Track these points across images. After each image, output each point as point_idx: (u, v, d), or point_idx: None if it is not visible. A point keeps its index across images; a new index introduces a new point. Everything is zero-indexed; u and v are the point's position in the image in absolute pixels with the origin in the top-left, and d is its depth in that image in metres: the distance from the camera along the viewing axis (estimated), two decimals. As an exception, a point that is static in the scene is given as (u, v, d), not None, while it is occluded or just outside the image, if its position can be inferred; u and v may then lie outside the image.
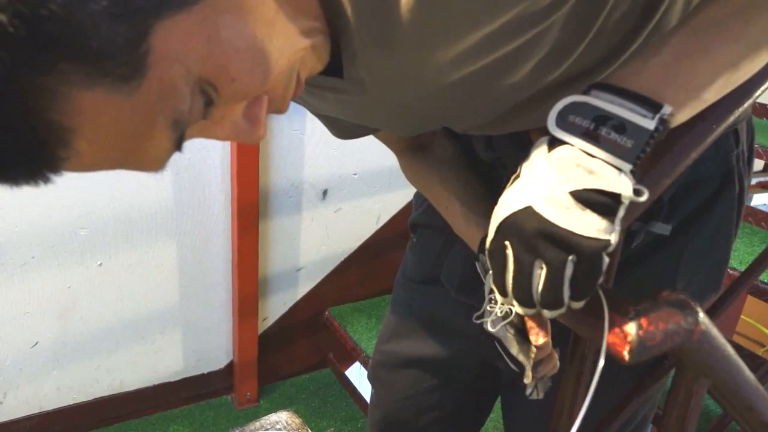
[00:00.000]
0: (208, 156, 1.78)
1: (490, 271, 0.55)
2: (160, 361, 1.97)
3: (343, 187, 2.04)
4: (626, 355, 0.50)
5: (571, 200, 0.48)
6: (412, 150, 0.88)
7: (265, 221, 1.95)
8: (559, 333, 0.80)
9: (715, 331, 0.55)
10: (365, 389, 2.02)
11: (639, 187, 0.48)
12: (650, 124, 0.48)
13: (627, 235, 0.73)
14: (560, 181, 0.49)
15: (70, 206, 1.65)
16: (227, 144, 1.78)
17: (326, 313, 2.20)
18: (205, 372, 2.07)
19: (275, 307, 2.12)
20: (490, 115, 0.67)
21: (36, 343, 1.74)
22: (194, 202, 1.82)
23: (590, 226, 0.48)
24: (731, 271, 1.62)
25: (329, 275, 2.17)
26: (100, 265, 1.75)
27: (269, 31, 0.45)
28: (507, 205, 0.52)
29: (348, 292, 2.22)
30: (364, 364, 1.96)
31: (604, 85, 0.50)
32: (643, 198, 0.48)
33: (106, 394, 1.92)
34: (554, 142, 0.50)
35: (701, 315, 0.52)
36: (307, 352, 2.25)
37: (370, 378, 1.10)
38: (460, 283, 0.90)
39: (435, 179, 0.84)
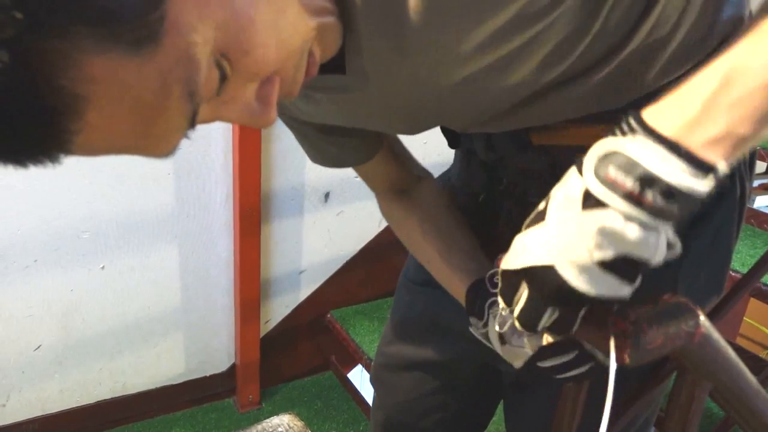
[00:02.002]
0: (210, 159, 1.79)
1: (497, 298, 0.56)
2: (162, 364, 1.97)
3: (345, 190, 2.04)
4: (627, 358, 0.50)
5: (597, 269, 0.46)
6: (393, 193, 0.88)
7: (267, 224, 1.95)
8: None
9: (716, 334, 0.55)
10: (367, 392, 2.02)
11: (672, 240, 0.46)
12: (702, 187, 0.43)
13: None
14: (590, 248, 0.45)
15: (72, 210, 1.65)
16: (229, 147, 1.79)
17: (328, 315, 2.20)
18: (208, 375, 2.07)
19: (277, 309, 2.12)
20: (492, 113, 0.66)
21: (39, 346, 1.75)
22: (196, 205, 1.82)
23: (609, 287, 0.47)
24: (733, 273, 1.62)
25: (331, 278, 2.17)
26: (103, 268, 1.75)
27: (284, 4, 0.45)
28: (530, 252, 0.50)
29: (350, 295, 2.22)
30: (367, 367, 1.96)
31: (651, 131, 0.44)
32: (675, 251, 0.46)
33: (108, 396, 1.92)
34: (590, 198, 0.46)
35: (702, 318, 0.52)
36: (310, 354, 2.25)
37: (373, 380, 1.10)
38: None
39: (416, 232, 0.84)
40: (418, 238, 0.85)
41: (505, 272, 0.53)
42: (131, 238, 1.76)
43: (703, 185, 0.43)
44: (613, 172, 0.44)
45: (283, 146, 1.88)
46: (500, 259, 0.63)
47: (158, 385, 1.99)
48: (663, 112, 0.45)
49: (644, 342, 0.49)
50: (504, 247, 0.78)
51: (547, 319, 0.51)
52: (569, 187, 0.48)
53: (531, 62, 0.56)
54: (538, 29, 0.52)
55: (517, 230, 0.78)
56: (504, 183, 0.78)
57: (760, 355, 2.38)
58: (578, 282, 0.46)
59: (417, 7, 0.49)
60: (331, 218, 2.07)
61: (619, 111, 0.65)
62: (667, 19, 0.57)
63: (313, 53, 0.51)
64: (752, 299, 2.37)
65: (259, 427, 0.97)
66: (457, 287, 0.79)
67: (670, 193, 0.43)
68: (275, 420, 1.00)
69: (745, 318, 3.06)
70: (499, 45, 0.53)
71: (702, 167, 0.43)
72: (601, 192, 0.45)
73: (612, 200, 0.44)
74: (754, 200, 2.98)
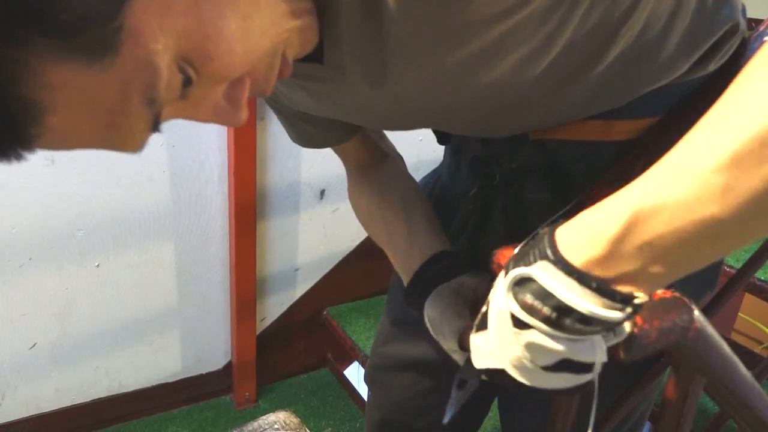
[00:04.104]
0: (205, 156, 1.78)
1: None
2: (158, 362, 1.97)
3: (340, 187, 2.04)
4: (622, 352, 0.50)
5: (543, 372, 0.49)
6: (362, 168, 0.88)
7: (263, 221, 1.95)
8: None
9: (710, 329, 0.55)
10: (364, 389, 2.02)
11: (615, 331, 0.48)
12: (619, 316, 0.44)
13: None
14: (528, 358, 0.48)
15: (67, 208, 1.64)
16: (224, 144, 1.78)
17: (324, 312, 2.20)
18: (204, 372, 2.07)
19: (273, 307, 2.12)
20: (469, 117, 0.65)
21: (34, 345, 1.74)
22: (192, 202, 1.82)
23: (565, 380, 0.50)
24: (728, 269, 1.62)
25: (327, 275, 2.17)
26: (98, 266, 1.75)
27: (252, 9, 0.44)
28: (482, 357, 0.54)
29: (346, 292, 2.22)
30: (363, 364, 1.97)
31: (562, 261, 0.44)
32: (622, 335, 0.49)
33: (104, 395, 1.91)
34: (516, 318, 0.48)
35: (696, 313, 0.52)
36: (306, 352, 2.25)
37: (368, 380, 1.10)
38: None
39: (374, 203, 0.86)
40: (374, 208, 0.85)
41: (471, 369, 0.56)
42: (126, 236, 1.75)
43: (620, 315, 0.44)
44: (530, 299, 0.46)
45: (279, 144, 1.88)
46: (496, 255, 0.63)
47: (154, 383, 1.99)
48: (576, 239, 0.44)
49: (638, 337, 0.49)
50: (497, 243, 0.78)
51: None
52: (499, 302, 0.49)
53: (507, 60, 0.54)
54: (512, 23, 0.50)
55: (511, 227, 0.77)
56: (497, 179, 0.78)
57: (755, 351, 2.39)
58: (533, 382, 0.50)
59: (395, 4, 0.48)
60: (327, 215, 2.07)
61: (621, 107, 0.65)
62: (657, 20, 0.56)
63: (285, 56, 0.50)
64: (747, 295, 2.38)
65: (255, 424, 0.97)
66: (404, 260, 0.79)
67: (588, 319, 0.44)
68: (271, 417, 1.00)
69: (739, 314, 3.07)
70: (471, 41, 0.51)
71: (617, 299, 0.43)
72: (522, 316, 0.46)
73: (533, 323, 0.46)
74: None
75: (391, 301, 1.05)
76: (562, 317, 0.44)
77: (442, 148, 0.91)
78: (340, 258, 2.16)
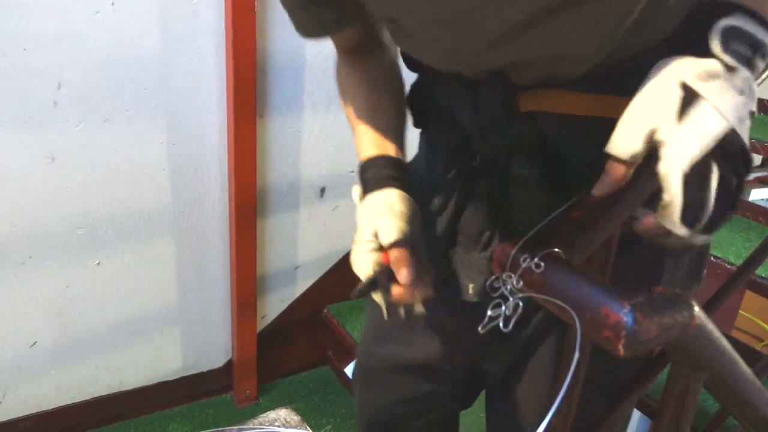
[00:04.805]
0: (205, 155, 1.78)
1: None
2: (159, 360, 1.97)
3: (340, 185, 2.04)
4: (621, 348, 0.50)
5: (748, 119, 0.55)
6: (354, 51, 0.85)
7: (263, 220, 1.95)
8: (550, 327, 0.80)
9: (710, 325, 0.55)
10: (364, 386, 2.02)
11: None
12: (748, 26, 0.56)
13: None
14: (745, 102, 0.55)
15: (67, 206, 1.64)
16: (224, 142, 1.78)
17: (325, 310, 2.20)
18: (204, 370, 2.07)
19: (273, 305, 2.12)
20: (502, 25, 0.62)
21: (35, 343, 1.74)
22: (192, 200, 1.82)
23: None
24: (728, 266, 1.62)
25: (327, 273, 2.17)
26: (98, 264, 1.75)
27: None
28: (709, 129, 0.53)
29: (346, 290, 2.20)
30: (363, 362, 1.96)
31: (752, 12, 0.56)
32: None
33: (105, 393, 1.92)
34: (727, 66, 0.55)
35: (696, 309, 0.52)
36: (306, 349, 2.25)
37: (358, 381, 1.07)
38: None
39: (361, 82, 0.83)
40: (361, 88, 0.84)
41: (699, 163, 0.53)
42: (127, 234, 1.76)
43: None
44: (734, 44, 0.55)
45: (279, 142, 1.88)
46: (496, 252, 0.63)
47: (155, 381, 1.99)
48: None
49: (638, 333, 0.49)
50: (478, 225, 0.77)
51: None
52: (708, 71, 0.55)
53: None
54: None
55: (493, 208, 0.76)
56: (478, 160, 0.76)
57: (756, 348, 2.39)
58: (745, 137, 0.55)
59: None
60: (327, 213, 2.07)
61: (615, 82, 0.64)
62: None
63: None
64: (747, 292, 2.38)
65: (256, 421, 0.97)
66: (368, 145, 0.79)
67: (765, 53, 0.57)
68: (272, 415, 1.00)
69: (741, 311, 3.07)
70: None
71: None
72: (736, 64, 0.55)
73: (742, 68, 0.55)
74: (749, 193, 2.99)
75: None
76: (755, 55, 0.56)
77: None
78: (341, 256, 2.16)
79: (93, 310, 1.79)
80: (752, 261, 1.08)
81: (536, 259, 0.59)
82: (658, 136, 0.54)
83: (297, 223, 2.03)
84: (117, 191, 1.70)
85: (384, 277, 0.72)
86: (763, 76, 0.67)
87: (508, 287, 0.60)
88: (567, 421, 0.70)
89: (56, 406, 1.85)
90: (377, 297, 0.74)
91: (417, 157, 0.92)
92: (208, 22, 1.65)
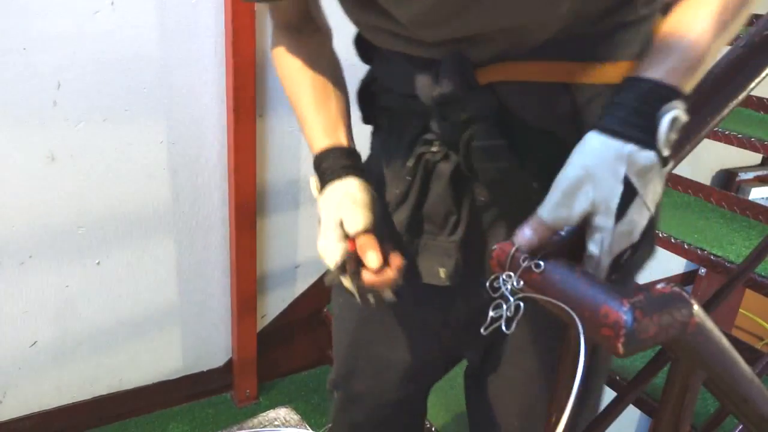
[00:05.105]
0: (205, 154, 1.78)
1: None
2: (159, 359, 1.97)
3: (340, 184, 2.04)
4: (620, 347, 0.50)
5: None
6: (291, 29, 0.86)
7: (263, 218, 1.95)
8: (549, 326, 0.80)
9: (710, 324, 0.55)
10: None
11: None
12: (684, 117, 0.57)
13: None
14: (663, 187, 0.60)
15: (67, 205, 1.64)
16: (224, 141, 1.78)
17: (325, 310, 2.20)
18: (205, 370, 2.07)
19: (274, 304, 2.12)
20: None
21: (35, 342, 1.74)
22: (192, 199, 1.82)
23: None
24: (728, 265, 1.62)
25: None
26: (98, 263, 1.75)
27: None
28: (639, 225, 0.59)
29: (346, 289, 2.22)
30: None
31: (679, 93, 0.58)
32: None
33: (105, 392, 1.92)
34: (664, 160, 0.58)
35: (696, 307, 0.52)
36: (306, 349, 2.25)
37: (338, 384, 1.05)
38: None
39: (304, 65, 0.84)
40: (302, 71, 0.84)
41: None
42: (126, 233, 1.76)
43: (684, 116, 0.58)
44: (672, 135, 0.58)
45: (278, 140, 1.88)
46: (495, 251, 0.63)
47: (155, 380, 1.99)
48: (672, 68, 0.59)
49: (637, 332, 0.49)
50: (442, 209, 0.77)
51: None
52: (645, 159, 0.58)
53: None
54: None
55: (456, 190, 0.77)
56: (437, 147, 0.76)
57: (756, 347, 2.39)
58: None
59: None
60: (327, 212, 2.07)
61: (569, 48, 0.66)
62: None
63: None
64: (747, 291, 2.38)
65: (256, 420, 0.97)
66: (320, 136, 0.84)
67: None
68: (271, 414, 1.00)
69: (740, 310, 3.07)
70: None
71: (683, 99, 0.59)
72: (666, 151, 0.59)
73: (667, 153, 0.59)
74: (749, 192, 2.99)
75: (345, 306, 0.99)
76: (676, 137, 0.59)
77: None
78: (341, 255, 2.15)
79: (93, 309, 1.79)
80: (753, 260, 1.08)
81: (536, 259, 0.59)
82: (596, 222, 0.58)
83: (297, 222, 2.03)
84: (117, 190, 1.70)
85: (353, 263, 0.75)
86: None
87: (509, 287, 0.60)
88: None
89: (56, 406, 1.85)
90: (347, 282, 0.77)
91: (370, 159, 0.91)
92: (207, 22, 1.65)
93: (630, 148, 0.56)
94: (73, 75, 1.54)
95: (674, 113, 0.56)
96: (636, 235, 0.58)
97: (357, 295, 0.78)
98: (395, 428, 1.07)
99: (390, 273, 0.74)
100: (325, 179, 0.80)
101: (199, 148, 1.77)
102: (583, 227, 0.59)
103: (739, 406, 0.64)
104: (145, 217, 1.76)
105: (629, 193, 0.56)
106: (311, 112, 0.83)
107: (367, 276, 0.75)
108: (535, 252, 0.59)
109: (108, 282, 1.78)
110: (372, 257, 0.73)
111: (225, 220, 1.89)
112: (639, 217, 0.57)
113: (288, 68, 0.86)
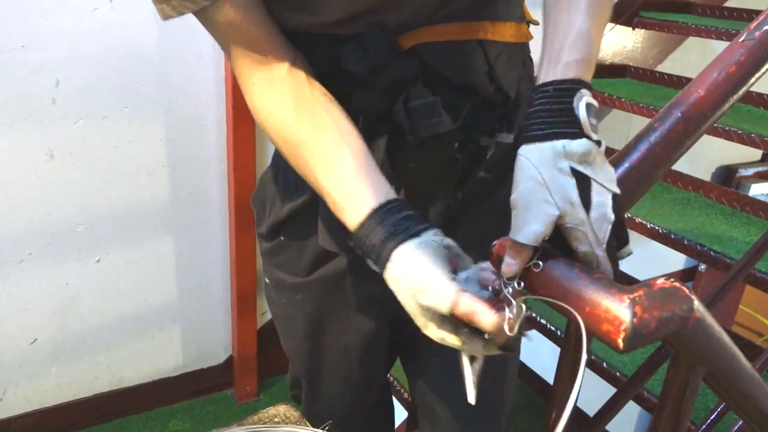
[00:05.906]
0: (204, 151, 1.78)
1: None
2: (159, 357, 1.97)
3: (340, 181, 2.04)
4: (621, 343, 0.50)
5: None
6: (268, 78, 0.72)
7: (263, 216, 1.95)
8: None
9: (710, 319, 0.55)
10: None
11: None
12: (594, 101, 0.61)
13: (479, 149, 0.81)
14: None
15: (66, 203, 1.64)
16: (224, 138, 1.78)
17: (325, 307, 2.20)
18: (205, 367, 2.07)
19: (274, 301, 2.11)
20: None
21: (35, 340, 1.74)
22: (191, 197, 1.82)
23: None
24: (728, 260, 1.62)
25: (327, 269, 2.17)
26: (98, 261, 1.75)
27: None
28: (608, 206, 0.60)
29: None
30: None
31: (581, 81, 0.61)
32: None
33: (105, 389, 1.92)
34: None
35: (696, 303, 0.52)
36: (307, 346, 2.25)
37: (299, 383, 1.12)
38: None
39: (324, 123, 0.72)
40: (300, 127, 0.72)
41: None
42: (126, 231, 1.75)
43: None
44: (591, 119, 0.61)
45: (278, 138, 1.88)
46: (495, 246, 0.63)
47: (155, 378, 1.99)
48: (581, 60, 0.63)
49: (637, 327, 0.49)
50: (406, 179, 0.79)
51: None
52: (579, 147, 0.60)
53: None
54: None
55: (399, 154, 0.78)
56: (360, 121, 0.76)
57: (756, 342, 2.39)
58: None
59: None
60: (327, 210, 2.07)
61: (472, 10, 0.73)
62: None
63: None
64: (748, 287, 2.38)
65: (256, 417, 0.97)
66: (348, 192, 0.69)
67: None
68: (272, 411, 1.00)
69: (741, 306, 3.07)
70: None
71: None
72: (594, 135, 0.62)
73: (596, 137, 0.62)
74: (749, 188, 2.99)
75: (289, 302, 1.01)
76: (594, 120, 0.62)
77: None
78: (341, 252, 2.16)
79: (93, 307, 1.79)
80: (753, 256, 1.08)
81: (535, 258, 0.59)
82: (570, 221, 0.59)
83: (297, 219, 2.03)
84: (116, 188, 1.69)
85: (471, 337, 0.61)
86: None
87: (509, 289, 0.60)
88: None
89: (57, 403, 1.85)
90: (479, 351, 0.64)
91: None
92: (206, 19, 1.65)
93: (562, 143, 0.59)
94: (72, 73, 1.54)
95: (585, 99, 0.60)
96: (610, 215, 0.59)
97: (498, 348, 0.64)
98: (367, 407, 1.13)
99: (507, 311, 0.60)
100: (380, 255, 0.66)
101: (199, 146, 1.77)
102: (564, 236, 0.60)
103: (738, 401, 0.64)
104: (144, 215, 1.76)
105: (584, 183, 0.58)
106: (352, 170, 0.71)
107: (494, 333, 0.60)
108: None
109: (108, 279, 1.78)
110: (484, 319, 0.58)
111: (225, 217, 1.89)
112: (604, 198, 0.59)
113: (279, 124, 0.73)
